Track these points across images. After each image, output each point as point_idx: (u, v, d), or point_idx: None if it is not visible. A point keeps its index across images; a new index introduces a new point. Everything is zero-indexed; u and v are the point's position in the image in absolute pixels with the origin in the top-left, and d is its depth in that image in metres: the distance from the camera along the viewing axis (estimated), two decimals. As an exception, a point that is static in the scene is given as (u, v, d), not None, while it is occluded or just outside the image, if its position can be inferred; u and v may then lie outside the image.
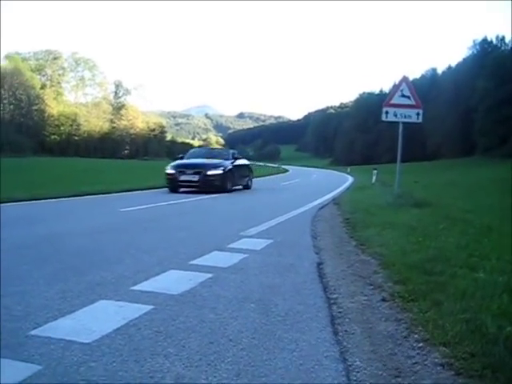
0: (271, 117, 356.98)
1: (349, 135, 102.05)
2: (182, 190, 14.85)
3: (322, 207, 10.92)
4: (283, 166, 75.20)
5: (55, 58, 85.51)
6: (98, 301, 3.15)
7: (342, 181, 30.69)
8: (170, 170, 15.19)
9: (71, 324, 2.71)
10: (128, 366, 2.21)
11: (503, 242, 5.54)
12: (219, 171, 14.87)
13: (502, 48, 66.63)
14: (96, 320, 2.78)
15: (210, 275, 3.94)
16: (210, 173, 14.67)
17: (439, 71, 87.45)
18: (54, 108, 77.73)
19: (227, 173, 15.16)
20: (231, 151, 18.10)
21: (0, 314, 2.84)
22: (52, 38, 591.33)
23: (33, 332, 2.55)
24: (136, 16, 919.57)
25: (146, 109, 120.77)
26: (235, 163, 16.18)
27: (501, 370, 2.19)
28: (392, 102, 10.72)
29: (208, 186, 14.48)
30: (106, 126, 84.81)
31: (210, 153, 17.83)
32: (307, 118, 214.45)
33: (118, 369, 2.18)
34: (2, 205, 9.22)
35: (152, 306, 3.07)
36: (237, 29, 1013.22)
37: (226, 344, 2.51)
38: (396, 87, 11.06)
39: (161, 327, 2.71)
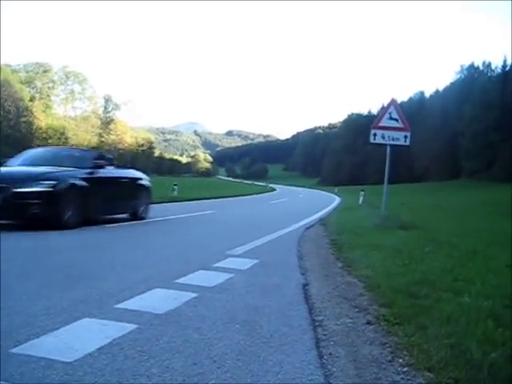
0: (260, 135, 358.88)
1: (337, 156, 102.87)
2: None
3: (309, 227, 10.94)
4: (271, 185, 75.45)
5: (45, 71, 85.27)
6: (81, 318, 3.11)
7: (329, 201, 30.85)
8: None
9: (54, 342, 2.66)
10: (110, 386, 2.18)
11: (488, 265, 5.59)
12: (43, 188, 7.81)
13: (489, 74, 67.99)
14: (79, 338, 2.74)
15: (195, 295, 3.92)
16: (21, 190, 7.70)
17: (427, 95, 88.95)
18: (42, 121, 77.34)
19: (67, 192, 8.15)
20: (93, 153, 11.54)
21: (0, 323, 2.80)
22: (43, 51, 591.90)
23: (14, 350, 2.50)
24: (127, 31, 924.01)
25: (135, 124, 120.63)
26: (98, 174, 9.14)
27: (484, 396, 2.20)
28: (380, 124, 10.83)
29: (18, 215, 7.90)
30: (94, 140, 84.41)
31: (52, 156, 9.98)
32: (295, 137, 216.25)
33: (99, 389, 2.14)
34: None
35: (136, 325, 3.03)
36: (228, 47, 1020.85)
37: (210, 365, 2.47)
38: (384, 110, 11.20)
39: (144, 347, 2.68)
